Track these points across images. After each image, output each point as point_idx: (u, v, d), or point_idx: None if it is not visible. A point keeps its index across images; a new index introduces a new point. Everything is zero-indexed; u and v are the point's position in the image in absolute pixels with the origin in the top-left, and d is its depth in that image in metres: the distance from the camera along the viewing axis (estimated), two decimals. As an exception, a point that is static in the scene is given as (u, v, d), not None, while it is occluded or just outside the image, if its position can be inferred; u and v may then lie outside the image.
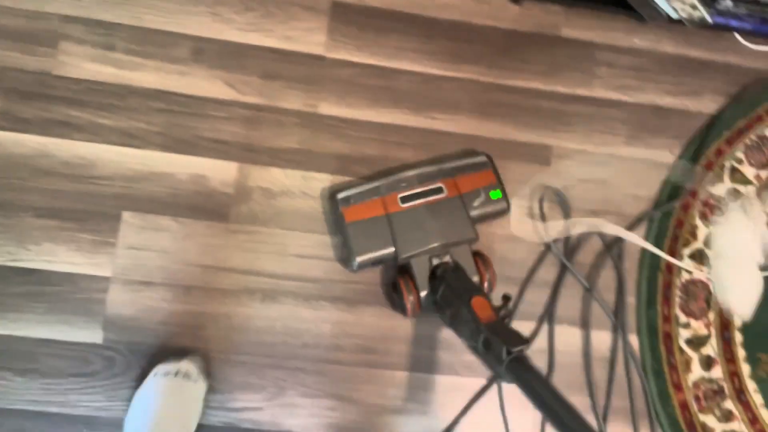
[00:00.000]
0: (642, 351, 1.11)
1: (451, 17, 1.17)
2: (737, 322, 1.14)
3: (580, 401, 1.07)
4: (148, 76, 1.07)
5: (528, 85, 1.17)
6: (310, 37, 1.12)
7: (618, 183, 1.16)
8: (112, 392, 0.98)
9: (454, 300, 0.93)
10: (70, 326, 0.98)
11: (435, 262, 1.00)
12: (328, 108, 1.10)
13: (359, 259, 0.99)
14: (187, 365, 0.94)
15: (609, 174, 1.16)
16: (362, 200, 1.01)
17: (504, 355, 0.77)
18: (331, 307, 1.05)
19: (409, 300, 0.98)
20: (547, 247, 1.12)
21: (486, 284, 1.02)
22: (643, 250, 1.14)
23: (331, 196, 1.04)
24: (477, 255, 1.04)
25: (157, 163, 1.04)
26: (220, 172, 1.06)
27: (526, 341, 0.79)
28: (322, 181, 1.08)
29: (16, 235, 0.99)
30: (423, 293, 0.99)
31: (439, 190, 1.03)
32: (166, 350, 0.99)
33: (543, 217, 1.12)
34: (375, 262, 1.01)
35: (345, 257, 1.03)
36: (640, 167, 1.17)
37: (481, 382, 1.07)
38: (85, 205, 1.02)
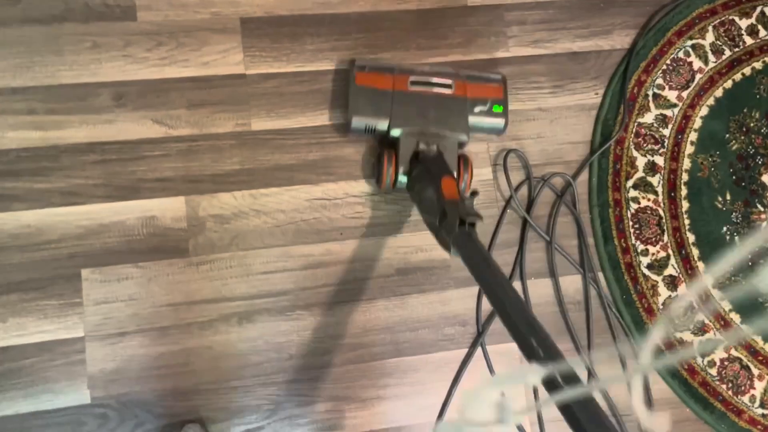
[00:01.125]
0: (609, 286, 1.16)
1: (359, 9, 1.19)
2: (691, 237, 1.19)
3: (564, 347, 1.11)
4: (76, 131, 1.06)
5: (449, 59, 1.20)
6: (226, 59, 1.13)
7: (553, 134, 1.20)
8: (112, 447, 0.98)
9: (425, 177, 0.99)
10: (56, 394, 0.98)
11: (421, 147, 1.05)
12: (261, 123, 1.12)
13: (354, 119, 1.06)
14: None
15: (542, 127, 1.20)
16: (376, 70, 1.09)
17: (456, 226, 0.83)
18: (308, 315, 1.07)
19: (388, 173, 1.04)
20: (507, 203, 1.15)
21: (462, 184, 1.07)
22: (590, 191, 1.18)
23: (351, 61, 1.12)
24: (460, 157, 1.08)
25: (104, 214, 1.04)
26: (168, 209, 1.06)
27: (478, 215, 0.85)
28: (271, 195, 1.09)
29: (-21, 318, 0.99)
30: (401, 169, 1.04)
31: (447, 86, 1.10)
32: (157, 398, 1.00)
33: (507, 175, 1.16)
34: (367, 130, 1.07)
35: (346, 120, 1.10)
36: (569, 114, 1.21)
37: (466, 351, 1.10)
38: (42, 273, 1.01)
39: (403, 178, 1.05)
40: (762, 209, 1.22)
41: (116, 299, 1.02)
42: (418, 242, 1.12)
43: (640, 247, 1.17)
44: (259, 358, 1.04)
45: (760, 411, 1.16)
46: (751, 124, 1.25)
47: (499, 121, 1.11)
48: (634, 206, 1.19)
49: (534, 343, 0.61)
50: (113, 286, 1.02)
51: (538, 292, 1.14)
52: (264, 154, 1.11)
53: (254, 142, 1.11)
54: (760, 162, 1.23)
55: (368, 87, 1.07)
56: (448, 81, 1.10)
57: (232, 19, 1.14)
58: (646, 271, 1.17)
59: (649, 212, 1.19)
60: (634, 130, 1.21)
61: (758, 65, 1.27)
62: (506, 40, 1.22)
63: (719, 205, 1.21)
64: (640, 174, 1.20)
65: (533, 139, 1.19)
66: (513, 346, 1.10)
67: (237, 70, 1.13)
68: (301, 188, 1.10)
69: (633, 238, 1.17)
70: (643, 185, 1.20)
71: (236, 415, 1.02)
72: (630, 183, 1.19)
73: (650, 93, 1.23)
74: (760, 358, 1.17)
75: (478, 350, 1.10)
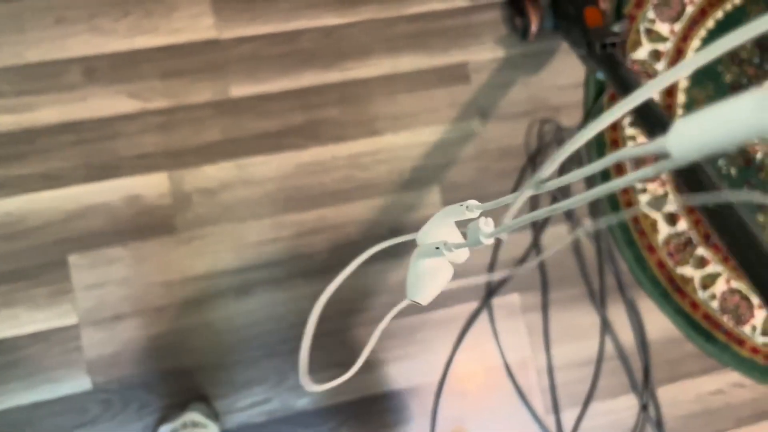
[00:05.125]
0: (611, 227, 1.14)
1: (333, -39, 1.14)
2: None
3: (579, 291, 1.11)
4: (49, 111, 1.02)
5: (427, 9, 1.15)
6: (197, 24, 1.08)
7: (539, 79, 1.16)
8: (120, 430, 0.97)
9: (570, 14, 1.04)
10: (56, 383, 0.97)
11: None
12: (240, 89, 1.07)
13: None
14: (191, 415, 0.94)
15: (528, 72, 1.16)
16: None
17: (598, 48, 0.94)
18: (304, 283, 1.05)
19: (535, 20, 1.09)
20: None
21: (604, 5, 1.09)
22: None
23: None
24: None
25: (86, 196, 1.01)
26: (152, 186, 1.03)
27: (617, 35, 0.96)
28: (258, 164, 1.06)
29: (-31, 312, 0.96)
30: (544, 14, 1.10)
31: None
32: (159, 379, 0.98)
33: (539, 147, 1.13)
34: None
35: None
36: (556, 58, 1.17)
37: (469, 307, 1.09)
38: (29, 261, 0.98)
39: (548, 22, 1.10)
40: (755, 141, 1.20)
41: (108, 282, 0.99)
42: (411, 200, 1.09)
43: (639, 185, 1.15)
44: (260, 329, 1.02)
45: (761, 339, 1.17)
46: (743, 55, 1.21)
47: None
48: (631, 144, 1.16)
49: None
50: (103, 269, 1.00)
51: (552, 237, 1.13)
52: (247, 122, 1.07)
53: (235, 110, 1.07)
54: (754, 92, 1.20)
55: None
56: None
57: (200, -19, 1.09)
58: (646, 209, 1.15)
59: (644, 152, 1.17)
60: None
61: (748, -8, 1.23)
62: (488, -16, 1.18)
63: (715, 139, 1.19)
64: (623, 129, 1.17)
65: (518, 85, 1.15)
66: (513, 299, 1.10)
67: (210, 35, 1.08)
68: (288, 154, 1.07)
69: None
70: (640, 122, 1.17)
71: (242, 388, 1.01)
72: (626, 121, 1.17)
73: (642, 28, 1.19)
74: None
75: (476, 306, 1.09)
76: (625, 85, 0.88)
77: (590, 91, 1.16)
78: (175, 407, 0.98)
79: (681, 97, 1.18)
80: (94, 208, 1.01)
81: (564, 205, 0.26)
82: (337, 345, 1.04)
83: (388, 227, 1.08)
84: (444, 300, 1.08)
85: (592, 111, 1.15)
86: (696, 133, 0.18)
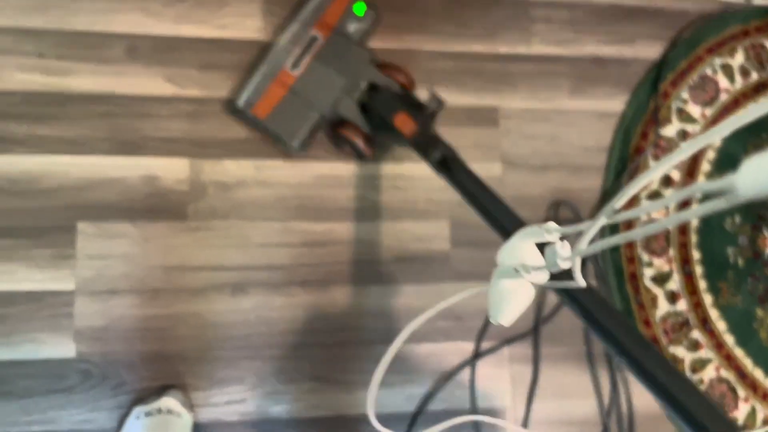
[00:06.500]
0: (611, 293, 1.15)
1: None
2: (697, 255, 1.18)
3: (572, 350, 1.11)
4: (84, 80, 1.04)
5: (469, 49, 1.17)
6: (245, 23, 1.10)
7: (567, 136, 1.18)
8: (93, 404, 0.97)
9: (385, 124, 0.96)
10: (40, 344, 0.97)
11: (356, 96, 1.02)
12: (274, 93, 1.09)
13: (296, 142, 1.02)
14: (167, 401, 0.94)
15: (557, 129, 1.18)
16: (261, 93, 1.02)
17: (433, 162, 0.88)
18: (302, 292, 1.05)
19: (359, 143, 1.02)
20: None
21: (404, 83, 1.04)
22: (603, 198, 1.17)
23: (230, 106, 1.05)
24: (384, 66, 1.05)
25: (105, 168, 1.02)
26: (172, 170, 1.04)
27: (443, 144, 0.90)
28: (276, 169, 1.07)
29: (-31, 260, 0.97)
30: (366, 131, 1.02)
31: (315, 39, 1.04)
32: (141, 360, 0.98)
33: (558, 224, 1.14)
34: (311, 134, 1.03)
35: (283, 146, 1.05)
36: (586, 119, 1.19)
37: (456, 346, 1.09)
38: (38, 221, 0.99)
39: (375, 134, 1.03)
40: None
41: (110, 256, 1.00)
42: (420, 231, 1.10)
43: (645, 258, 1.16)
44: (248, 330, 1.03)
45: (741, 434, 1.16)
46: (768, 149, 1.23)
47: (371, 18, 1.08)
48: (644, 217, 1.17)
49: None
50: (108, 242, 1.00)
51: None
52: (274, 125, 1.08)
53: (265, 112, 1.08)
54: (772, 187, 1.21)
55: (273, 110, 1.02)
56: (312, 34, 1.04)
57: (255, -17, 1.11)
58: (649, 284, 1.15)
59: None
60: (654, 140, 1.19)
61: (783, 90, 1.25)
62: (529, 37, 1.20)
63: (728, 227, 1.20)
64: (654, 186, 1.18)
65: (546, 140, 1.17)
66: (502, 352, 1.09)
67: (255, 36, 1.10)
68: (308, 164, 1.08)
69: (639, 248, 1.16)
70: (656, 198, 1.18)
71: (219, 384, 1.01)
72: (644, 194, 1.18)
73: (674, 106, 1.21)
74: (748, 381, 1.17)
75: (466, 347, 1.09)
76: (467, 191, 0.83)
77: (614, 157, 1.18)
78: (151, 391, 0.98)
79: (701, 180, 1.20)
80: (111, 181, 1.02)
81: (640, 233, 0.27)
82: (321, 358, 1.04)
83: (394, 254, 1.09)
84: (434, 334, 1.08)
85: (611, 188, 1.17)
86: (763, 174, 0.20)
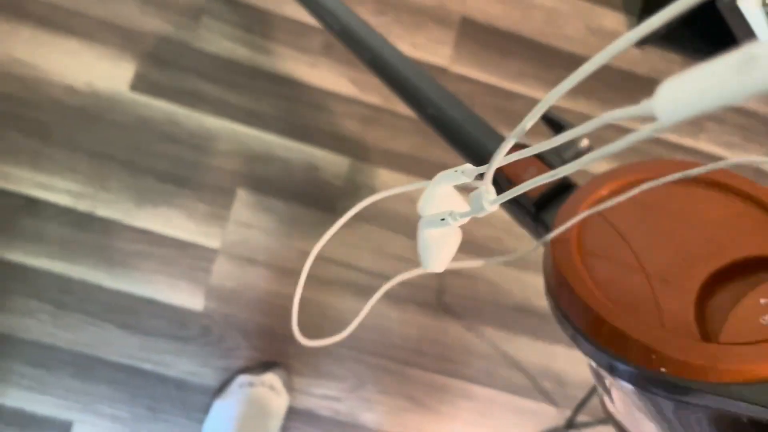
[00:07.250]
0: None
1: (572, 50, 1.20)
2: None
3: None
4: (279, 62, 1.11)
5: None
6: (436, 48, 1.15)
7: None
8: (204, 359, 1.01)
9: None
10: (174, 290, 1.02)
11: None
12: (443, 119, 1.13)
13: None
14: (271, 378, 0.97)
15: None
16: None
17: None
18: (419, 313, 1.07)
19: None
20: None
21: None
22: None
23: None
24: None
25: (275, 146, 1.08)
26: (332, 165, 1.09)
27: None
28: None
29: (135, 195, 1.03)
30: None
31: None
32: (258, 332, 1.02)
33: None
34: None
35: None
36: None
37: (556, 411, 1.09)
38: (204, 177, 1.05)
39: None
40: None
41: (258, 227, 1.05)
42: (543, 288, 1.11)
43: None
44: (362, 334, 1.05)
45: None
46: None
47: None
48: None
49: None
50: (260, 213, 1.06)
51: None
52: (435, 149, 1.12)
53: (430, 135, 1.11)
54: None
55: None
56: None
57: (454, 14, 1.16)
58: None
59: None
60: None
61: None
62: (698, 132, 1.21)
63: None
64: None
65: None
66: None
67: (441, 63, 1.15)
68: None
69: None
70: None
71: (322, 377, 1.03)
72: None
73: None
74: None
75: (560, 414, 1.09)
76: None
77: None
78: (258, 363, 1.01)
79: None
80: (277, 159, 1.07)
81: (561, 171, 0.25)
82: (420, 381, 1.06)
83: (516, 302, 1.10)
84: (533, 392, 1.08)
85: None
86: (682, 96, 0.18)
